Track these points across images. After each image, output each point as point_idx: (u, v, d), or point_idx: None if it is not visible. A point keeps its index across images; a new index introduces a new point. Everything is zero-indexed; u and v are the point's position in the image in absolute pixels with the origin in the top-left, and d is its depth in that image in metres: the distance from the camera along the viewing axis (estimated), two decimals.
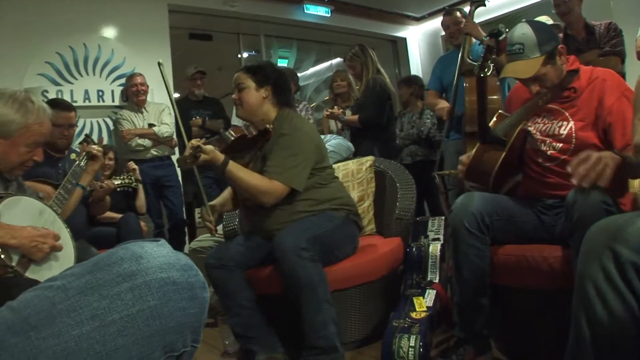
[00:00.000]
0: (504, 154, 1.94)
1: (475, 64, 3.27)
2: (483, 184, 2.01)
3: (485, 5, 3.43)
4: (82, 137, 3.98)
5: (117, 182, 2.84)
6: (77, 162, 2.31)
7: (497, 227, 1.89)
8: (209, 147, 2.14)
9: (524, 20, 2.06)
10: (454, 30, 3.67)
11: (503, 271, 1.91)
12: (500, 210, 1.92)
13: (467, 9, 3.60)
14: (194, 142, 2.17)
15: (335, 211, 2.30)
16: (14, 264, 1.69)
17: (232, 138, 2.31)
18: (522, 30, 1.96)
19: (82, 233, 2.81)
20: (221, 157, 2.15)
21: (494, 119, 2.10)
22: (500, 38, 1.72)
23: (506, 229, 1.92)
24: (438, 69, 3.89)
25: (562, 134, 1.95)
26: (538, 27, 1.98)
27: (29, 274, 1.74)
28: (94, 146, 2.35)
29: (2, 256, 1.65)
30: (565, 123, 1.96)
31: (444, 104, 3.65)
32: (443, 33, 6.90)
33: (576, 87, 1.96)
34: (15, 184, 2.06)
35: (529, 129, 2.05)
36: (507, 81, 3.32)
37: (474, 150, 2.04)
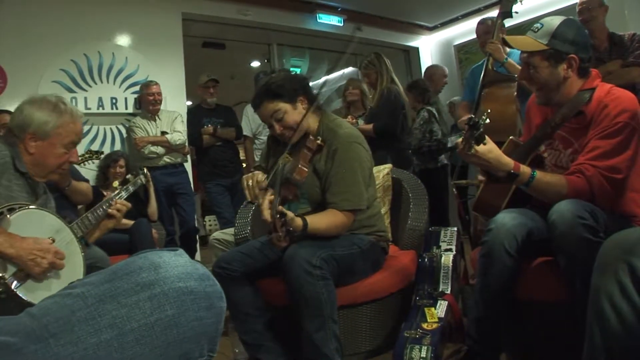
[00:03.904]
0: (509, 194, 1.93)
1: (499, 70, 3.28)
2: (492, 216, 1.95)
3: (512, 16, 3.37)
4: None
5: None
6: (117, 192, 2.25)
7: (533, 246, 1.82)
8: (289, 213, 1.87)
9: (572, 17, 1.97)
10: (485, 40, 3.61)
11: (523, 285, 1.87)
12: (538, 230, 1.82)
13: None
14: (267, 213, 1.89)
15: (365, 235, 2.25)
16: (7, 275, 1.61)
17: (303, 182, 2.07)
18: (553, 18, 1.92)
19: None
20: (300, 221, 1.96)
21: (505, 146, 2.02)
22: (476, 134, 1.73)
23: (539, 247, 1.84)
24: (470, 80, 3.85)
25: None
26: (571, 25, 1.90)
27: (24, 290, 1.65)
28: (118, 205, 2.19)
29: None
30: (575, 156, 1.90)
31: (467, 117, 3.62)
32: (455, 43, 7.01)
33: (585, 112, 1.86)
34: (44, 197, 2.02)
35: (544, 155, 2.01)
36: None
37: (481, 186, 2.02)
